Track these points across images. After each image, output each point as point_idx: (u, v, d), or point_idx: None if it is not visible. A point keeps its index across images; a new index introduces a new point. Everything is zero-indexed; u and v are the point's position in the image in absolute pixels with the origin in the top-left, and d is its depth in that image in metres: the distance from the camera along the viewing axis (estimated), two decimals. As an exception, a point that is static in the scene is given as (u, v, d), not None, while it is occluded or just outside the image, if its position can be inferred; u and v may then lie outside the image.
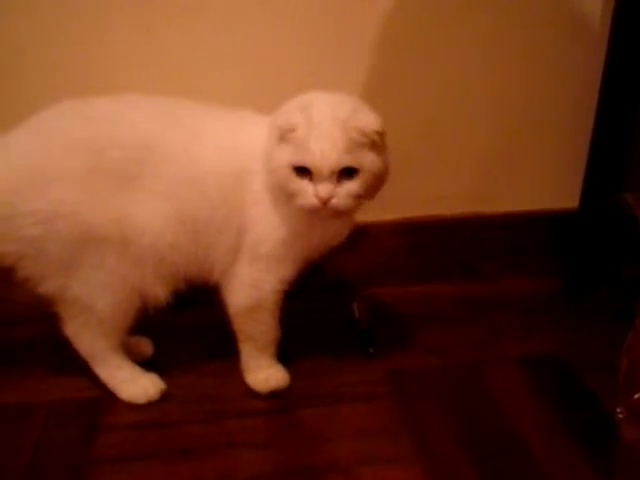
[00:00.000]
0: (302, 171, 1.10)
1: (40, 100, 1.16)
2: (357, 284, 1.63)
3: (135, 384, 1.28)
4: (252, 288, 1.24)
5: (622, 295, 1.48)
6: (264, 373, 1.30)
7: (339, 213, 1.13)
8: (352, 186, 1.10)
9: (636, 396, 1.00)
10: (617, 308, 1.45)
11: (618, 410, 1.01)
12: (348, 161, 1.09)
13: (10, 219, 1.13)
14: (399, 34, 1.49)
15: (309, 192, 1.10)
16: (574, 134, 1.60)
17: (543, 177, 1.66)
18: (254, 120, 1.23)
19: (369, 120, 1.11)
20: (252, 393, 1.29)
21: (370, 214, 1.57)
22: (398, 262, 1.64)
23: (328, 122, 1.08)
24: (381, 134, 1.12)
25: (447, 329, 1.50)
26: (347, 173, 1.10)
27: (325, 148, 1.07)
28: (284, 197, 1.14)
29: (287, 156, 1.10)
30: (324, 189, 1.09)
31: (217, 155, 1.19)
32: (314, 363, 1.38)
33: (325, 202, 1.09)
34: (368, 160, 1.11)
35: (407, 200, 1.62)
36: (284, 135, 1.10)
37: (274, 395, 1.29)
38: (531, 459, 1.14)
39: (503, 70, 1.55)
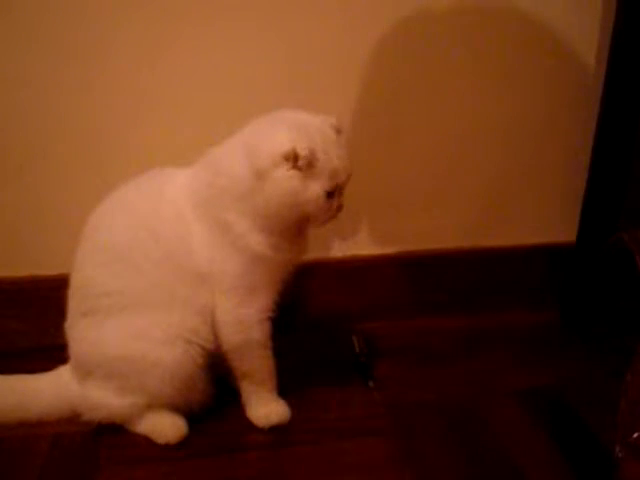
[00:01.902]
0: (331, 194, 1.15)
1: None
2: (356, 317, 1.63)
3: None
4: (237, 324, 1.24)
5: (619, 331, 1.49)
6: (265, 408, 1.30)
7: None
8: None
9: (635, 435, 1.00)
10: (614, 344, 1.46)
11: (617, 449, 1.02)
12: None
13: None
14: (399, 68, 1.51)
15: (333, 207, 1.18)
16: (571, 168, 1.62)
17: (540, 211, 1.67)
18: (167, 177, 1.26)
19: (330, 117, 1.19)
20: (253, 427, 1.29)
21: (369, 248, 1.59)
22: (396, 296, 1.65)
23: (329, 139, 1.15)
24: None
25: (445, 363, 1.50)
26: None
27: (347, 163, 1.16)
28: (286, 222, 1.17)
29: (320, 187, 1.13)
30: (341, 200, 1.19)
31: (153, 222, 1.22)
32: (314, 396, 1.38)
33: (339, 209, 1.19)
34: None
35: (405, 234, 1.63)
36: (310, 164, 1.12)
37: (275, 429, 1.29)
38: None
39: (501, 106, 1.57)
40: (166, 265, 1.21)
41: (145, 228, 1.22)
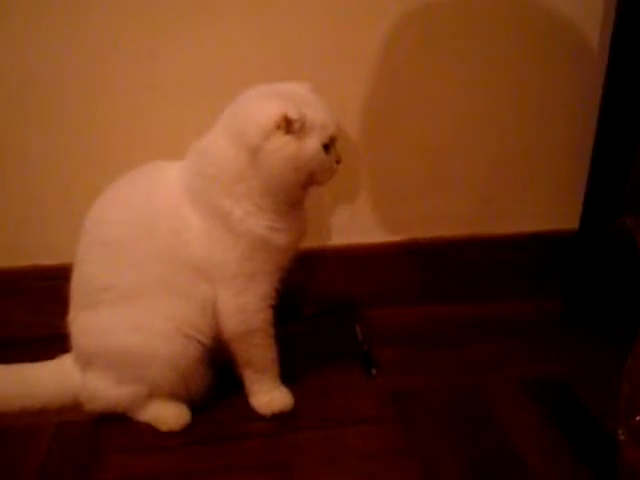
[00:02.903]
0: (327, 148, 1.17)
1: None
2: (360, 305, 1.64)
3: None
4: (238, 313, 1.24)
5: (623, 318, 1.49)
6: (268, 396, 1.30)
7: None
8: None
9: (637, 418, 1.00)
10: (616, 331, 1.46)
11: (619, 432, 1.02)
12: None
13: None
14: (399, 60, 1.51)
15: (332, 161, 1.20)
16: (574, 155, 1.61)
17: (543, 198, 1.67)
18: (160, 171, 1.27)
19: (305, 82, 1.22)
20: (256, 415, 1.30)
21: (373, 236, 1.59)
22: (400, 284, 1.65)
23: (309, 97, 1.17)
24: None
25: (449, 351, 1.50)
26: None
27: (332, 113, 1.18)
28: (293, 190, 1.19)
29: (316, 142, 1.15)
30: (337, 151, 1.21)
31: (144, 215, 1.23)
32: (317, 385, 1.38)
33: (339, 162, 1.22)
34: None
35: (408, 222, 1.63)
36: (302, 126, 1.13)
37: (277, 417, 1.29)
38: (533, 480, 1.14)
39: (502, 92, 1.57)
40: (163, 259, 1.21)
41: (141, 223, 1.22)
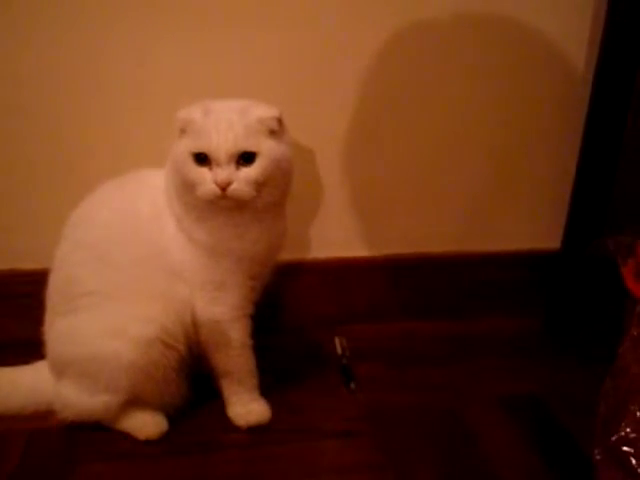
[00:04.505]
0: (202, 160, 1.12)
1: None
2: (340, 320, 1.63)
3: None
4: (212, 323, 1.24)
5: (603, 339, 1.49)
6: (245, 408, 1.29)
7: (241, 202, 1.14)
8: (251, 171, 1.12)
9: (613, 439, 1.00)
10: (595, 351, 1.46)
11: (595, 452, 1.02)
12: (245, 145, 1.11)
13: None
14: (388, 77, 1.51)
15: (208, 179, 1.12)
16: (558, 175, 1.62)
17: (526, 218, 1.67)
18: (144, 178, 1.27)
19: (266, 108, 1.14)
20: (232, 426, 1.29)
21: (354, 250, 1.59)
22: (381, 299, 1.65)
23: (225, 110, 1.13)
24: (279, 120, 1.15)
25: (428, 367, 1.50)
26: (246, 160, 1.12)
27: (222, 132, 1.10)
28: (186, 195, 1.16)
29: (186, 145, 1.13)
30: (222, 173, 1.11)
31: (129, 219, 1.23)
32: (295, 397, 1.37)
33: (224, 187, 1.11)
34: (266, 146, 1.13)
35: (391, 238, 1.63)
36: (184, 127, 1.13)
37: (254, 429, 1.28)
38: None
39: (487, 112, 1.57)
40: (144, 263, 1.21)
41: (124, 226, 1.22)
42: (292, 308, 1.61)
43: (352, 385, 1.42)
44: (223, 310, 1.24)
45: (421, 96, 1.54)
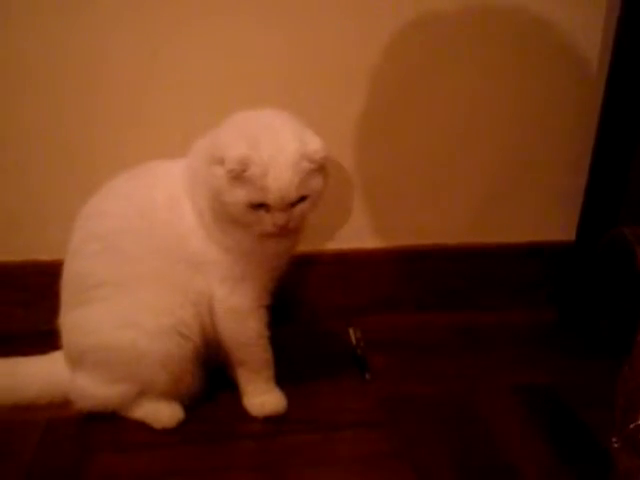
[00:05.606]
0: (259, 205, 1.13)
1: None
2: (353, 310, 1.63)
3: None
4: (231, 313, 1.25)
5: (616, 329, 1.49)
6: (261, 398, 1.30)
7: (292, 232, 1.19)
8: (304, 208, 1.16)
9: (631, 426, 1.00)
10: (610, 342, 1.46)
11: (613, 440, 1.02)
12: (302, 192, 1.14)
13: None
14: (400, 66, 1.51)
15: (267, 222, 1.14)
16: (572, 167, 1.62)
17: (540, 209, 1.67)
18: (162, 169, 1.27)
19: (316, 148, 1.14)
20: (248, 416, 1.29)
21: (367, 241, 1.59)
22: (395, 290, 1.65)
23: (280, 157, 1.11)
24: (326, 158, 1.16)
25: (442, 358, 1.50)
26: (300, 199, 1.15)
27: (283, 187, 1.11)
28: (234, 224, 1.17)
29: (243, 196, 1.12)
30: (282, 218, 1.14)
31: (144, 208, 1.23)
32: (310, 388, 1.38)
33: (283, 228, 1.14)
34: (316, 184, 1.16)
35: (404, 229, 1.64)
36: (238, 176, 1.11)
37: (270, 419, 1.29)
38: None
39: (501, 103, 1.57)
40: (159, 254, 1.21)
41: (140, 217, 1.22)
42: (306, 300, 1.62)
43: (367, 375, 1.42)
44: (242, 301, 1.24)
45: (433, 88, 1.54)
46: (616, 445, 1.01)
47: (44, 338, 1.29)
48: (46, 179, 1.49)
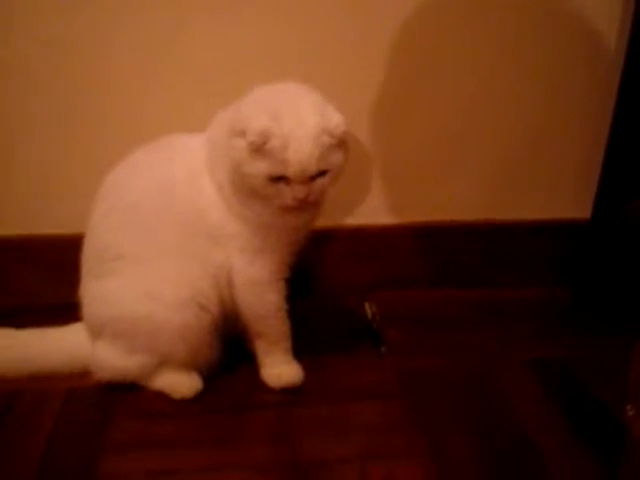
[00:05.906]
0: (278, 178, 1.14)
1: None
2: (370, 286, 1.64)
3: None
4: (250, 285, 1.26)
5: (632, 306, 1.49)
6: (278, 369, 1.31)
7: (311, 206, 1.20)
8: (324, 182, 1.17)
9: (646, 394, 1.01)
10: (626, 322, 1.46)
11: (628, 408, 1.03)
12: (322, 166, 1.14)
13: None
14: (416, 43, 1.51)
15: (286, 194, 1.15)
16: (588, 144, 1.61)
17: (556, 186, 1.67)
18: (182, 142, 1.28)
19: (337, 122, 1.14)
20: (266, 387, 1.31)
21: (384, 217, 1.60)
22: (410, 266, 1.66)
23: (301, 130, 1.12)
24: (347, 133, 1.16)
25: (458, 333, 1.51)
26: (320, 173, 1.15)
27: (303, 159, 1.12)
28: (254, 196, 1.18)
29: (264, 168, 1.13)
30: (302, 191, 1.15)
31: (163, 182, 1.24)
32: (327, 360, 1.39)
33: (302, 201, 1.15)
34: (336, 159, 1.17)
35: (420, 205, 1.64)
36: (259, 149, 1.11)
37: (287, 390, 1.30)
38: (538, 458, 1.15)
39: (518, 81, 1.57)
40: (180, 227, 1.22)
41: (160, 190, 1.24)
42: (323, 274, 1.63)
43: (383, 349, 1.43)
44: (261, 272, 1.25)
45: (451, 65, 1.54)
46: (630, 413, 1.02)
47: (64, 310, 1.30)
48: (67, 153, 1.51)
